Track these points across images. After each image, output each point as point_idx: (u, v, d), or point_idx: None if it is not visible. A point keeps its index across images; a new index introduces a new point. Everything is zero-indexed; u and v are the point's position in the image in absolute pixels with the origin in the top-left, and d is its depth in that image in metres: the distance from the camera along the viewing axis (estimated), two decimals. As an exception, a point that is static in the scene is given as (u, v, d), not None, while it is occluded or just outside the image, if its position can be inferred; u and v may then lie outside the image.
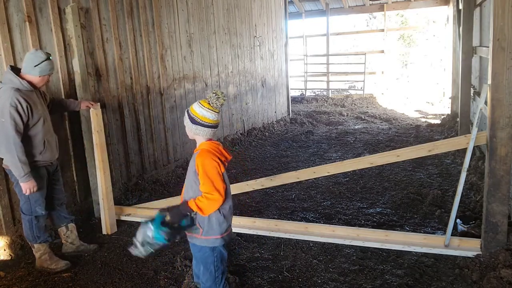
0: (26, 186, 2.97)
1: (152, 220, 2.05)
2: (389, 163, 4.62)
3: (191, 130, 2.15)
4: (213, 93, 2.15)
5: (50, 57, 3.07)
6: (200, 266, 2.24)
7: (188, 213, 2.10)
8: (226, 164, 2.20)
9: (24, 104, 2.88)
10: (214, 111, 2.14)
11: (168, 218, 2.07)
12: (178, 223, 2.09)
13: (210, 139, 2.19)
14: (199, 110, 2.13)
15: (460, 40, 6.59)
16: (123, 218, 4.19)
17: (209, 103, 2.14)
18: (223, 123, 7.46)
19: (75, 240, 3.53)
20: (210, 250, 2.19)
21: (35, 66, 2.97)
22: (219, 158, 2.11)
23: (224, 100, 2.16)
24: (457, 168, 5.43)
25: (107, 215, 3.94)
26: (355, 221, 4.02)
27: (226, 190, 2.15)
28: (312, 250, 3.41)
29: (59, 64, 3.94)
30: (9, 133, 2.84)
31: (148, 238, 2.03)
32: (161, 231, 2.01)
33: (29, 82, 2.99)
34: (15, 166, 2.89)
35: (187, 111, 2.17)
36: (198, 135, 2.16)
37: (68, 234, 3.49)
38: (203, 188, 2.07)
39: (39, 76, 3.00)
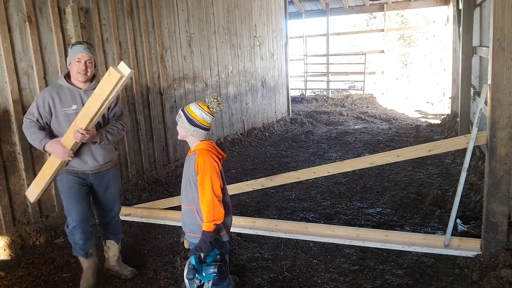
0: (55, 151, 2.71)
1: (193, 270, 1.97)
2: (389, 163, 4.61)
3: (187, 131, 2.15)
4: (214, 98, 2.16)
5: (78, 43, 2.84)
6: None
7: (213, 238, 2.04)
8: (222, 161, 2.22)
9: (46, 99, 2.73)
10: (212, 115, 2.17)
11: (202, 254, 2.03)
12: (212, 252, 2.07)
13: (203, 140, 2.20)
14: (199, 112, 2.14)
15: (460, 40, 6.60)
16: (123, 218, 4.19)
17: (208, 107, 2.16)
18: (223, 123, 7.46)
19: (110, 258, 3.22)
20: None
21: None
22: (217, 157, 2.13)
23: (223, 107, 2.21)
24: (457, 168, 5.43)
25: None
26: (355, 221, 4.02)
27: (223, 189, 2.16)
28: (312, 250, 3.41)
29: (59, 65, 3.94)
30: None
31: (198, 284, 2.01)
32: (205, 272, 1.98)
33: (71, 78, 2.82)
34: (33, 143, 2.77)
35: (183, 111, 2.17)
36: (193, 136, 2.16)
37: (106, 249, 3.21)
38: (200, 193, 2.08)
39: (69, 65, 2.79)
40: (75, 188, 2.86)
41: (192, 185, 2.14)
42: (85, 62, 2.74)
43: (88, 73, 2.77)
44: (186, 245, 2.34)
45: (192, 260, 2.00)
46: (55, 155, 2.74)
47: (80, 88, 2.80)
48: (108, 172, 3.00)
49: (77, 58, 2.72)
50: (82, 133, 2.61)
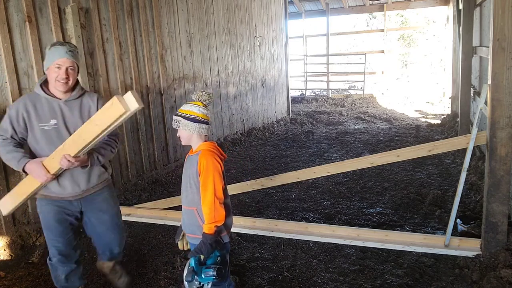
0: (33, 173, 2.28)
1: (192, 272, 1.96)
2: (389, 163, 4.61)
3: (193, 130, 2.12)
4: (203, 92, 2.16)
5: (59, 43, 2.34)
6: None
7: (213, 240, 2.04)
8: (223, 163, 2.22)
9: (20, 112, 2.31)
10: (206, 107, 2.18)
11: (202, 256, 2.02)
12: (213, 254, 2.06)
13: (206, 139, 2.20)
14: (196, 109, 2.13)
15: (460, 40, 6.60)
16: (123, 218, 4.19)
17: (201, 102, 2.16)
18: (223, 123, 7.46)
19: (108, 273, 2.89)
20: None
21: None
22: (219, 158, 2.13)
23: (212, 96, 2.22)
24: (457, 168, 5.43)
25: None
26: (355, 221, 4.02)
27: (224, 190, 2.16)
28: (312, 250, 3.41)
29: (59, 64, 3.94)
30: None
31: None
32: (204, 274, 1.97)
33: (49, 87, 2.37)
34: (9, 163, 2.35)
35: (180, 115, 2.12)
36: (199, 134, 2.15)
37: (100, 264, 2.86)
38: (202, 195, 2.07)
39: (47, 70, 2.33)
40: (55, 219, 2.43)
41: (193, 186, 2.13)
42: (67, 69, 2.28)
43: (69, 82, 2.31)
44: (180, 246, 2.32)
45: (191, 262, 1.99)
46: (33, 177, 2.31)
47: (60, 99, 2.36)
48: (97, 196, 2.52)
49: (57, 63, 2.26)
50: (70, 161, 2.20)
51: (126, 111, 2.01)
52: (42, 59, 3.78)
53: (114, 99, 2.01)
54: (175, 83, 5.90)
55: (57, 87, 2.32)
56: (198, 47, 6.48)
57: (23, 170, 2.30)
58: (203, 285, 2.02)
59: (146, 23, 5.22)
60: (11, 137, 2.32)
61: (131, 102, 2.01)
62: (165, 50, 5.63)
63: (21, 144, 2.38)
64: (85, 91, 2.48)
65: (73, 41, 3.98)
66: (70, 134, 2.29)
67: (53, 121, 2.33)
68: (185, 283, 1.98)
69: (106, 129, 2.12)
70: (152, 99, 5.35)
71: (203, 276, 1.97)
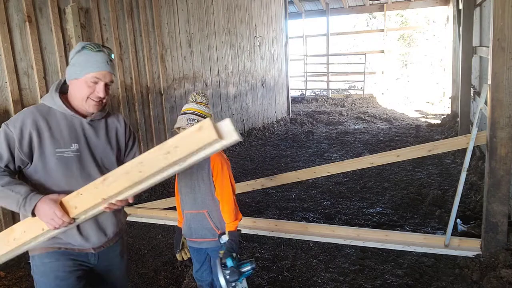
0: (42, 213, 1.55)
1: (235, 271, 1.93)
2: (389, 163, 4.62)
3: None
4: (201, 93, 2.15)
5: (97, 49, 1.67)
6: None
7: (238, 237, 2.08)
8: None
9: (28, 130, 1.61)
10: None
11: (234, 254, 2.03)
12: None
13: None
14: (212, 112, 2.15)
15: (460, 40, 6.60)
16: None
17: (204, 103, 2.17)
18: (223, 123, 7.45)
19: None
20: None
21: (67, 66, 1.72)
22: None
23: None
24: (457, 168, 5.43)
25: None
26: (355, 221, 4.02)
27: None
28: (312, 250, 3.41)
29: (59, 65, 3.94)
30: None
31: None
32: (243, 271, 1.97)
33: (68, 99, 1.74)
34: (5, 203, 1.59)
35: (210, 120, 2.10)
36: None
37: None
38: (220, 195, 2.08)
39: (75, 79, 1.67)
40: (60, 279, 1.69)
41: (202, 188, 2.11)
42: (106, 85, 1.69)
43: (104, 101, 1.73)
44: (179, 258, 2.31)
45: (229, 262, 1.96)
46: (42, 220, 1.57)
47: (84, 117, 1.74)
48: (115, 247, 1.86)
49: (95, 76, 1.64)
50: (117, 205, 1.60)
51: (217, 139, 1.38)
52: (42, 59, 3.79)
53: (207, 122, 1.39)
54: (175, 83, 5.90)
55: (87, 107, 1.70)
56: (198, 47, 6.48)
57: (32, 214, 1.56)
58: (236, 284, 2.01)
59: (146, 23, 5.22)
60: (6, 166, 1.62)
61: (228, 131, 1.39)
62: (165, 50, 5.63)
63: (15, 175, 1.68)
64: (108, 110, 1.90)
65: (73, 41, 3.97)
66: (96, 164, 1.73)
67: (74, 146, 1.69)
68: (223, 285, 1.93)
69: (178, 160, 1.45)
70: (152, 99, 5.35)
71: (242, 274, 1.98)
